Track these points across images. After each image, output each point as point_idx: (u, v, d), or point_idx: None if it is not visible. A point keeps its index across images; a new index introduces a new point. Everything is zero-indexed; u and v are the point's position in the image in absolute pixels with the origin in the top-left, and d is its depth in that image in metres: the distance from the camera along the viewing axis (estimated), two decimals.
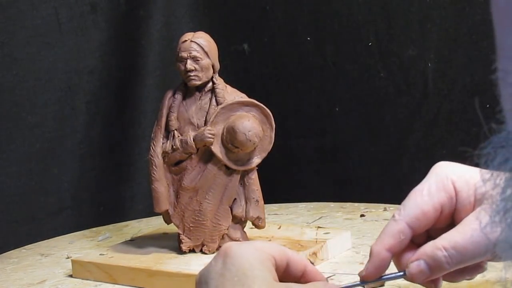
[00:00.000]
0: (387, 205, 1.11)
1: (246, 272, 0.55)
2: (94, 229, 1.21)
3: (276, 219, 1.12)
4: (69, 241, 1.17)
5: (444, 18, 1.32)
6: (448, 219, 0.64)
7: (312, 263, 0.87)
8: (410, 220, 0.64)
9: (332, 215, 1.12)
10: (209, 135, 0.89)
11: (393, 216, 0.64)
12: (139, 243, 1.01)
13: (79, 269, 0.97)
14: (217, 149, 0.90)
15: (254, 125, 0.88)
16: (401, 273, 0.63)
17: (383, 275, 0.65)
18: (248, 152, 0.90)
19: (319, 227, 0.98)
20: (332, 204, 1.17)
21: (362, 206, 1.13)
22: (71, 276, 0.97)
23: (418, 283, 0.64)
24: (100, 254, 0.98)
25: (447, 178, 0.64)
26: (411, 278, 0.63)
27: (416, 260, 0.62)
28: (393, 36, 1.38)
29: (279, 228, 1.00)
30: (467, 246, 0.61)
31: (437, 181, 0.65)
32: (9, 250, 1.15)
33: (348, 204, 1.16)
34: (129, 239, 1.05)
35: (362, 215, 1.08)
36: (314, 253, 0.88)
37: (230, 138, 0.88)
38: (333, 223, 1.06)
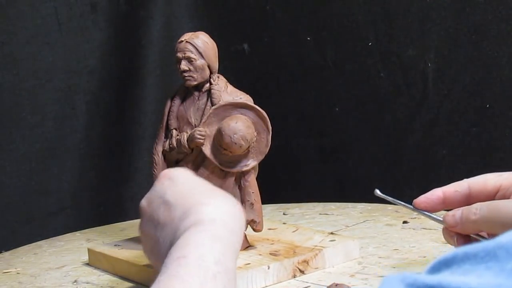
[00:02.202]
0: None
1: (192, 180, 0.69)
2: None
3: (322, 219, 1.11)
4: (120, 228, 1.18)
5: (444, 18, 1.32)
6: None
7: (302, 272, 0.87)
8: (473, 182, 0.73)
9: (378, 219, 1.09)
10: (199, 136, 0.89)
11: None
12: None
13: (93, 258, 0.99)
14: (208, 150, 0.90)
15: (241, 128, 0.88)
16: (440, 218, 0.72)
17: (429, 211, 0.74)
18: (242, 155, 0.89)
19: (331, 233, 0.97)
20: (389, 207, 1.13)
21: (415, 212, 1.09)
22: (88, 264, 0.99)
23: (449, 228, 0.72)
24: (115, 245, 0.98)
25: None
26: (444, 219, 0.72)
27: (457, 210, 0.71)
28: (393, 36, 1.38)
29: (294, 231, 0.99)
30: (499, 208, 0.68)
31: (511, 173, 0.73)
32: (9, 250, 1.15)
33: (404, 208, 1.12)
34: None
35: (405, 222, 1.06)
36: (305, 261, 0.88)
37: (219, 140, 0.88)
38: (371, 228, 1.04)
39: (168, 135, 0.93)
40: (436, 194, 0.74)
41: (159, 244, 0.65)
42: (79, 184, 1.48)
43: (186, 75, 0.91)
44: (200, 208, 0.63)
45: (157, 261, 0.66)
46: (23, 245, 1.16)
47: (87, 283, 0.92)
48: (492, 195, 0.73)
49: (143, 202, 0.70)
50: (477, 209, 0.70)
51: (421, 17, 1.34)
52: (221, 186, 0.91)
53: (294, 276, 0.87)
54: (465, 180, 0.74)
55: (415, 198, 0.78)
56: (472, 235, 0.73)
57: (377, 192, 0.79)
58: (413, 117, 1.38)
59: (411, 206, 0.77)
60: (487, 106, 1.30)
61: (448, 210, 0.74)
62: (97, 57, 1.48)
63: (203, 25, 1.51)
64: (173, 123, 0.93)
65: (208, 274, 0.56)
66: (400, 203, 0.79)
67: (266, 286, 0.85)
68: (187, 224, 0.62)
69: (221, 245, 0.59)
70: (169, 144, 0.92)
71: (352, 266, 0.89)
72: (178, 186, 0.68)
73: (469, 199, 0.73)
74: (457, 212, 0.71)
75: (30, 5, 1.40)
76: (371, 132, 1.44)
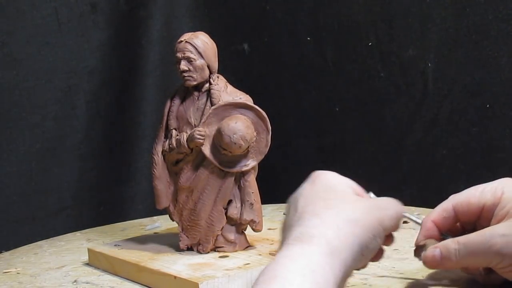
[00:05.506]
0: None
1: (332, 186, 0.66)
2: (154, 217, 1.21)
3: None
4: (121, 228, 1.18)
5: (444, 18, 1.32)
6: (488, 220, 0.73)
7: None
8: (456, 204, 0.74)
9: None
10: (198, 136, 0.89)
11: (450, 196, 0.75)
12: (153, 238, 1.02)
13: (93, 258, 0.99)
14: (207, 150, 0.90)
15: (241, 128, 0.88)
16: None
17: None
18: (241, 155, 0.89)
19: None
20: None
21: (416, 212, 1.09)
22: (88, 264, 0.99)
23: (429, 268, 0.74)
24: (115, 245, 0.98)
25: (500, 188, 0.73)
26: (424, 260, 0.73)
27: (435, 248, 0.72)
28: (393, 36, 1.38)
29: None
30: (475, 246, 0.70)
31: (493, 186, 0.73)
32: (9, 250, 1.15)
33: (405, 208, 1.12)
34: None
35: (405, 222, 1.04)
36: None
37: (218, 140, 0.88)
38: None
39: (168, 135, 0.94)
40: (429, 227, 0.75)
41: (280, 242, 0.64)
42: (79, 184, 1.48)
43: (185, 75, 0.91)
44: (308, 219, 0.61)
45: None
46: (23, 245, 1.16)
47: (87, 283, 0.92)
48: (476, 215, 0.74)
49: (290, 198, 0.68)
50: (456, 250, 0.71)
51: (421, 17, 1.34)
52: (221, 186, 0.91)
53: None
54: (449, 200, 0.76)
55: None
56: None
57: (371, 195, 0.80)
58: (413, 117, 1.38)
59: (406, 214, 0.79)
60: (487, 106, 1.30)
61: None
62: (97, 57, 1.48)
63: (203, 25, 1.51)
64: (173, 123, 0.93)
65: None
66: None
67: None
68: (290, 235, 0.61)
69: (313, 281, 0.56)
70: (169, 144, 0.92)
71: None
72: (314, 189, 0.66)
73: (455, 219, 0.75)
74: (436, 251, 0.72)
75: (30, 5, 1.41)
76: (371, 132, 1.44)
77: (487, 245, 0.69)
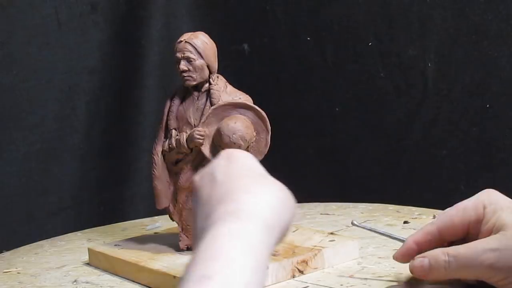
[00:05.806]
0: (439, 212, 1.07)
1: (250, 165, 0.66)
2: (155, 217, 1.21)
3: (322, 219, 1.11)
4: (122, 228, 1.18)
5: (444, 18, 1.32)
6: (476, 236, 0.73)
7: (301, 272, 0.87)
8: (441, 226, 0.74)
9: (379, 219, 1.08)
10: (198, 136, 0.89)
11: (434, 217, 0.76)
12: (153, 238, 1.02)
13: (93, 258, 0.99)
14: (207, 150, 0.90)
15: (240, 128, 0.88)
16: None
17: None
18: None
19: (331, 233, 0.97)
20: (390, 207, 1.13)
21: (417, 212, 1.09)
22: (88, 264, 0.99)
23: (418, 277, 0.74)
24: (115, 245, 0.99)
25: (481, 202, 0.73)
26: (411, 270, 0.73)
27: (423, 257, 0.72)
28: (393, 36, 1.38)
29: (294, 231, 0.99)
30: (466, 260, 0.70)
31: (474, 202, 0.73)
32: (9, 250, 1.15)
33: (405, 208, 1.12)
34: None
35: (405, 222, 1.06)
36: (304, 261, 0.87)
37: (218, 140, 0.88)
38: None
39: (167, 135, 0.94)
40: (409, 246, 0.76)
41: (195, 222, 0.62)
42: (79, 184, 1.48)
43: (185, 75, 0.91)
44: (241, 196, 0.60)
45: (193, 239, 0.63)
46: (23, 245, 1.16)
47: (86, 283, 0.92)
48: (463, 233, 0.74)
49: (196, 177, 0.66)
50: (446, 262, 0.71)
51: (421, 17, 1.34)
52: None
53: (293, 276, 0.86)
54: (433, 222, 0.76)
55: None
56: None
57: (354, 222, 0.85)
58: (413, 117, 1.38)
59: (389, 234, 0.83)
60: (487, 106, 1.30)
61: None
62: (97, 57, 1.48)
63: (203, 25, 1.51)
64: (173, 123, 0.93)
65: None
66: (377, 231, 0.85)
67: (265, 286, 0.85)
68: (222, 210, 0.58)
69: (254, 259, 0.55)
70: (169, 144, 0.92)
71: (351, 266, 0.89)
72: (232, 166, 0.65)
73: (441, 241, 0.75)
74: (424, 261, 0.72)
75: (30, 5, 1.40)
76: (371, 132, 1.44)
77: (479, 260, 0.69)
